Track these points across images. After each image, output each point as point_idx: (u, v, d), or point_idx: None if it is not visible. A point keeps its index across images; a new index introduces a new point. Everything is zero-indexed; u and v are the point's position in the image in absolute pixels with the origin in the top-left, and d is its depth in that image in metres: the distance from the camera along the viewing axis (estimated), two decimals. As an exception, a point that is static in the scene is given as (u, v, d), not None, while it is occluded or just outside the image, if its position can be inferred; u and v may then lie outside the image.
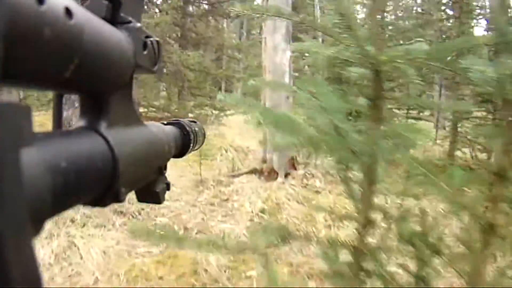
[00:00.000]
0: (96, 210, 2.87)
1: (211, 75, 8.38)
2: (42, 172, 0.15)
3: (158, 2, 8.67)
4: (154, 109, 7.85)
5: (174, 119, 0.37)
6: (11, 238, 0.12)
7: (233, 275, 2.45)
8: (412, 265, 0.98)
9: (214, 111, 8.25)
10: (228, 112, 7.94)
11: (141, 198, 0.30)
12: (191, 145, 0.36)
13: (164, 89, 9.41)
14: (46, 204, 0.15)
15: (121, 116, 0.23)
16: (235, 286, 2.35)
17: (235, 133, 7.41)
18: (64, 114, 0.26)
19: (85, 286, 1.79)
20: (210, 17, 8.98)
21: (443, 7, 8.98)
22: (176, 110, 7.39)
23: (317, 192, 4.22)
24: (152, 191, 0.29)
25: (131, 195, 0.26)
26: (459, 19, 7.02)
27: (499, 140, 0.87)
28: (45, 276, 2.21)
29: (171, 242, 1.09)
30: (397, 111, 6.30)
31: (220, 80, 11.50)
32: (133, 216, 3.27)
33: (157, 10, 8.53)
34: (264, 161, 4.82)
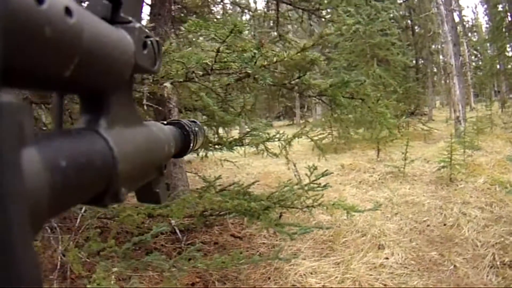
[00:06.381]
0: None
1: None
2: (42, 172, 0.15)
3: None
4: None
5: (174, 119, 0.37)
6: (13, 238, 0.12)
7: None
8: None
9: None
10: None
11: (141, 198, 0.30)
12: (191, 145, 0.36)
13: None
14: (46, 203, 0.15)
15: (121, 115, 0.23)
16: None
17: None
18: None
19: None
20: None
21: None
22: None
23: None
24: (152, 191, 0.29)
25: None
26: None
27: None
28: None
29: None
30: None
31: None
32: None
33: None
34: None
